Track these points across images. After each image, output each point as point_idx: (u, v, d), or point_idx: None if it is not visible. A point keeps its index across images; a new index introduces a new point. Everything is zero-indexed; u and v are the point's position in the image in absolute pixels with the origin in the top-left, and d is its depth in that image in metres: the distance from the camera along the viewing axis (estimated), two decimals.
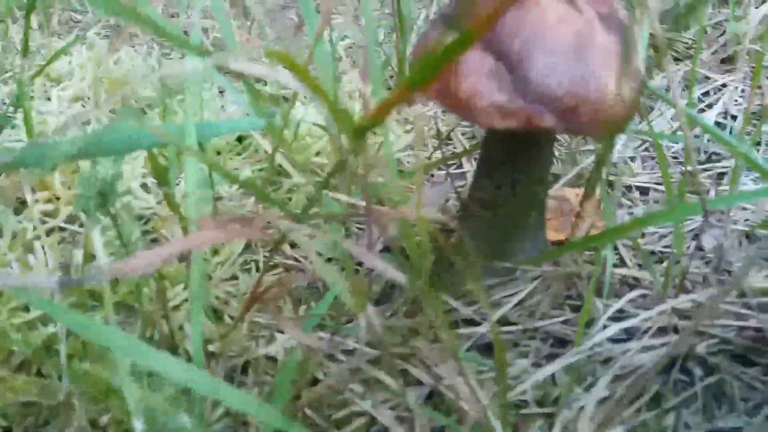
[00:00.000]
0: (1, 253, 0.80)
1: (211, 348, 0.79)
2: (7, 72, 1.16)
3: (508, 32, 0.53)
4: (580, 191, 0.98)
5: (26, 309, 0.77)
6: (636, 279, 0.81)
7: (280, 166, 1.02)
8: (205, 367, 0.76)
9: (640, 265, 0.85)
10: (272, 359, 0.78)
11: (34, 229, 0.86)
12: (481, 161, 0.73)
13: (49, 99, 1.09)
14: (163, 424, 0.58)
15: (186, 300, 0.83)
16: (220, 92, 1.28)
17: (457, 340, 0.72)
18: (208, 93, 1.16)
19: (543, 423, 0.67)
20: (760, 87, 1.17)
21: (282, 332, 0.83)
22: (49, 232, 0.87)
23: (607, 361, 0.71)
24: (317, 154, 1.09)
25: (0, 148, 0.98)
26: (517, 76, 0.52)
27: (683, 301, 0.73)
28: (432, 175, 1.07)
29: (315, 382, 0.72)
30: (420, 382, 0.70)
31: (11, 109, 1.03)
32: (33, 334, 0.74)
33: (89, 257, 0.77)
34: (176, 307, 0.81)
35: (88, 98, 1.14)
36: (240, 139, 1.13)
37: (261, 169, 1.06)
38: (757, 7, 1.33)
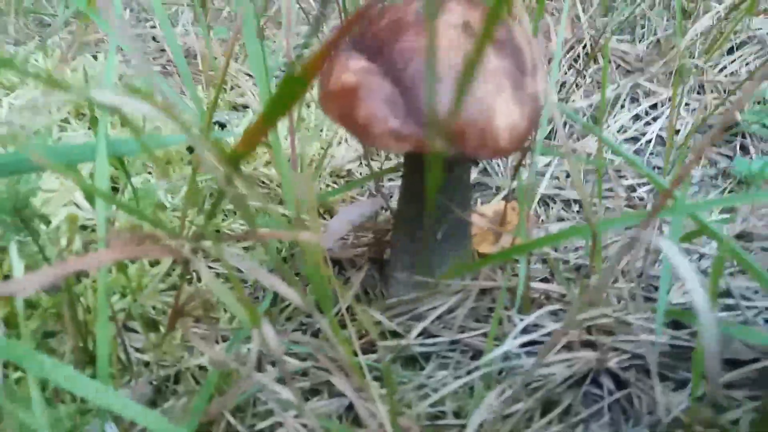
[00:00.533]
0: None
1: (145, 357, 0.81)
2: None
3: (403, 59, 0.55)
4: (515, 205, 1.01)
5: None
6: (558, 293, 0.83)
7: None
8: (134, 377, 0.78)
9: (569, 279, 0.88)
10: (204, 369, 0.80)
11: None
12: (403, 180, 0.75)
13: (0, 107, 1.10)
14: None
15: (122, 309, 0.85)
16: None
17: (354, 354, 0.74)
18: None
19: None
20: (688, 104, 1.20)
21: (217, 342, 0.85)
22: None
23: (520, 373, 0.73)
24: (267, 164, 1.11)
25: None
26: (410, 102, 0.54)
27: (597, 316, 0.75)
28: (381, 185, 1.09)
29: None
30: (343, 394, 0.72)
31: None
32: None
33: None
34: (113, 316, 0.82)
35: (41, 107, 1.15)
36: (191, 149, 1.15)
37: (210, 179, 1.07)
38: (691, 25, 1.35)
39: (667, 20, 1.50)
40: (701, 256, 0.92)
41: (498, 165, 1.12)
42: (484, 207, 1.02)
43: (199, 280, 0.94)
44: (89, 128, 1.12)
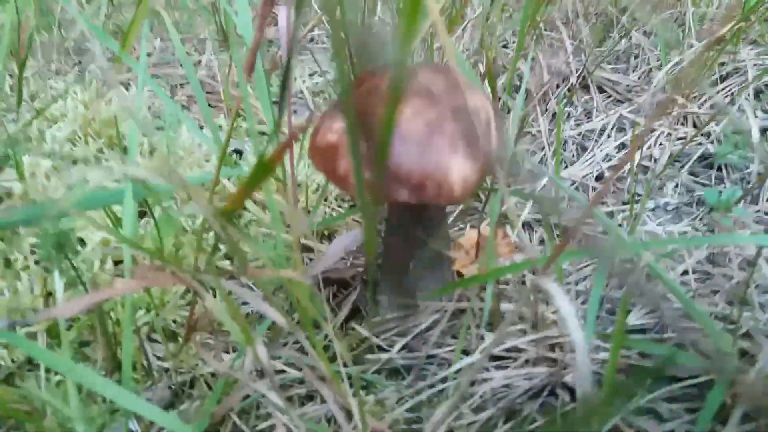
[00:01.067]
0: None
1: (164, 365, 0.93)
2: (10, 113, 1.32)
3: (375, 123, 0.66)
4: (502, 230, 1.11)
5: None
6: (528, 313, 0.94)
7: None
8: (155, 382, 0.91)
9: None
10: (216, 375, 0.92)
11: (25, 259, 1.02)
12: (387, 218, 0.86)
13: (44, 140, 1.25)
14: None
15: (146, 323, 0.97)
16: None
17: (354, 364, 0.85)
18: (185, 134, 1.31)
19: None
20: (670, 134, 1.28)
21: (227, 352, 0.98)
22: (37, 263, 1.02)
23: (486, 384, 0.83)
24: (276, 190, 1.23)
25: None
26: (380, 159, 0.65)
27: (557, 335, 0.85)
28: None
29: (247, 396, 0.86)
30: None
31: (10, 151, 1.20)
32: (17, 351, 0.89)
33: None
34: (137, 330, 0.95)
35: (80, 137, 1.29)
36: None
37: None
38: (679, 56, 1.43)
39: (660, 51, 1.59)
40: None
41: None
42: (472, 231, 1.13)
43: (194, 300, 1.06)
44: (123, 156, 1.26)
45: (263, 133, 1.56)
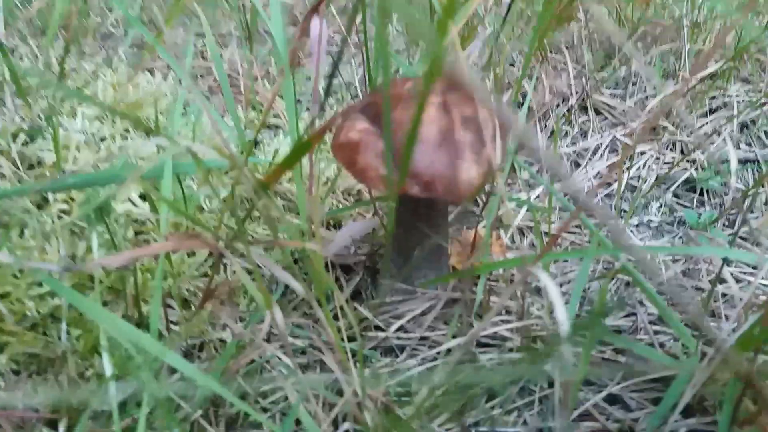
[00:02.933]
0: (26, 241, 1.03)
1: (177, 329, 1.01)
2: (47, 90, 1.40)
3: (395, 126, 0.75)
4: (496, 233, 1.20)
5: (39, 284, 1.00)
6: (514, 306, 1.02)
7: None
8: (167, 344, 0.98)
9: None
10: (224, 342, 1.01)
11: (53, 223, 1.10)
12: (396, 210, 0.95)
13: (75, 116, 1.33)
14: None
15: (163, 289, 1.05)
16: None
17: (358, 339, 0.93)
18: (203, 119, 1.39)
19: (416, 407, 0.88)
20: (658, 158, 1.38)
21: (236, 321, 1.06)
22: (63, 227, 1.10)
23: (472, 365, 0.92)
24: (289, 180, 1.32)
25: (33, 154, 1.22)
26: (397, 158, 0.74)
27: (539, 327, 0.94)
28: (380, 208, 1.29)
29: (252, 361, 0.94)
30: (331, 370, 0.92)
31: (44, 123, 1.28)
32: (43, 304, 0.97)
33: (90, 251, 1.00)
34: (152, 296, 1.03)
35: (107, 117, 1.37)
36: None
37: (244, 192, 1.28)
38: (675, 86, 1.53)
39: (656, 80, 1.68)
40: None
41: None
42: (469, 231, 1.22)
43: (226, 271, 1.15)
44: (147, 136, 1.35)
45: (277, 126, 1.65)
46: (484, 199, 1.23)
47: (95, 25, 1.88)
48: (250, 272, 1.11)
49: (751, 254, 1.00)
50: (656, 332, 0.98)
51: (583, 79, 1.67)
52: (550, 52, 1.75)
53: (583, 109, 1.62)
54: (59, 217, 1.12)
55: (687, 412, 0.84)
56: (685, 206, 1.32)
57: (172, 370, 0.94)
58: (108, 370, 0.74)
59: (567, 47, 1.83)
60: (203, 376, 0.72)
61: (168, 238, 0.74)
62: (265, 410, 0.90)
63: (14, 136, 1.24)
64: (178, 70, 1.10)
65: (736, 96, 1.57)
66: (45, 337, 0.94)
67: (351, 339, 0.95)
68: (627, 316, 1.03)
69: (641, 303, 1.04)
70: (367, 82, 1.27)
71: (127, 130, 1.36)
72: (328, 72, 1.85)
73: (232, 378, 0.90)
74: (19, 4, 1.84)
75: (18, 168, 1.20)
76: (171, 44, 1.93)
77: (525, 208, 1.24)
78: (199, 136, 1.36)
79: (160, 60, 1.86)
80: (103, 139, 1.28)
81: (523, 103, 1.59)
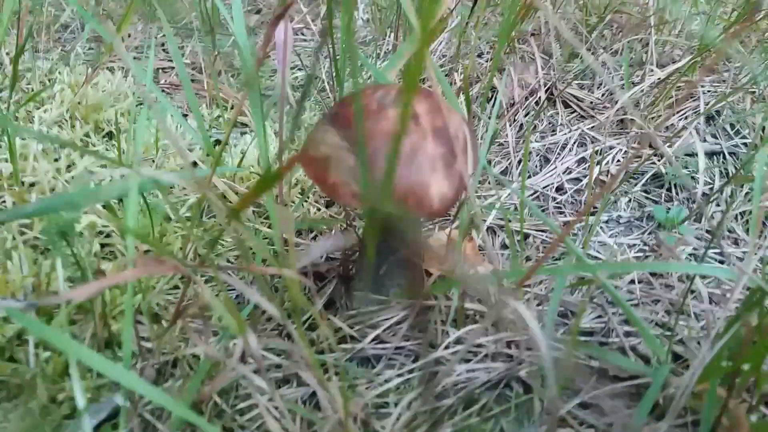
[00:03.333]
0: None
1: (148, 345, 0.99)
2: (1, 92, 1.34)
3: (366, 138, 0.74)
4: (468, 234, 1.20)
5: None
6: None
7: (224, 194, 1.22)
8: (139, 361, 0.96)
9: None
10: (197, 357, 0.99)
11: (13, 239, 1.06)
12: (367, 221, 0.94)
13: (32, 122, 1.28)
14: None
15: (133, 305, 1.03)
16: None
17: (333, 351, 0.93)
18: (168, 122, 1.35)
19: (394, 420, 0.88)
20: (627, 152, 1.39)
21: (208, 337, 1.04)
22: (25, 242, 1.06)
23: (449, 375, 0.92)
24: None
25: None
26: (369, 173, 0.73)
27: (514, 335, 0.94)
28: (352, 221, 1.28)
29: None
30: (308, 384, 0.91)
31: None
32: (7, 327, 0.94)
33: (54, 269, 0.97)
34: (121, 313, 1.01)
35: (66, 121, 1.32)
36: (194, 164, 1.33)
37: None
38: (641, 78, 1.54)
39: (623, 71, 1.69)
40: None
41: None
42: (441, 233, 1.21)
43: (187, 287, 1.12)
44: (107, 141, 1.30)
45: (243, 124, 1.61)
46: (456, 205, 1.23)
47: (51, 19, 1.81)
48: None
49: (723, 269, 1.02)
50: (627, 333, 1.00)
51: (551, 72, 1.67)
52: (518, 41, 1.74)
53: (551, 101, 1.62)
54: (21, 233, 1.08)
55: (659, 414, 0.86)
56: (655, 201, 1.34)
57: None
58: (80, 401, 0.72)
59: (533, 34, 1.83)
60: (176, 404, 0.71)
61: (136, 264, 0.71)
62: (243, 428, 0.89)
63: None
64: (139, 73, 1.06)
65: (701, 87, 1.59)
66: (12, 363, 0.91)
67: (330, 350, 0.95)
68: (598, 317, 1.04)
69: (611, 303, 1.05)
70: (334, 77, 1.25)
71: (87, 135, 1.31)
72: (294, 80, 1.80)
73: (206, 397, 0.89)
74: None
75: None
76: (130, 40, 1.87)
77: (495, 209, 1.24)
78: (161, 138, 1.33)
79: (119, 60, 1.80)
80: (63, 146, 1.24)
81: (491, 98, 1.58)
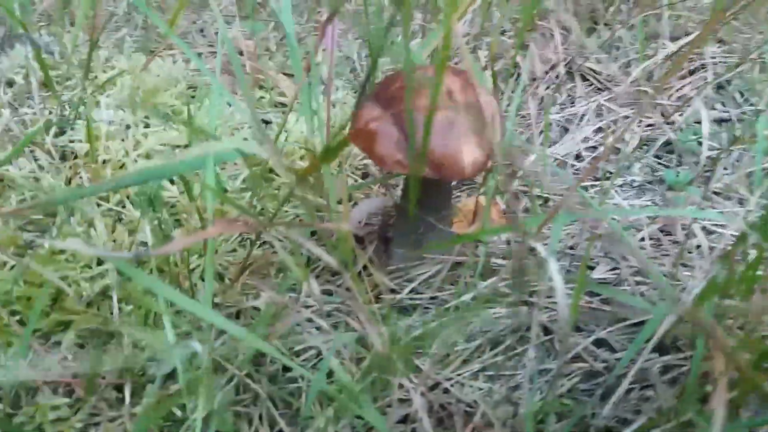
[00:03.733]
0: (73, 229, 1.15)
1: (215, 300, 1.14)
2: (68, 80, 1.49)
3: (407, 115, 0.86)
4: (494, 199, 1.32)
5: (89, 267, 1.12)
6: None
7: (270, 170, 1.36)
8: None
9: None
10: (257, 309, 1.13)
11: (93, 210, 1.21)
12: (404, 183, 1.07)
13: (98, 104, 1.42)
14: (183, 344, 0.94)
15: (199, 266, 1.18)
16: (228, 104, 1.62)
17: (374, 303, 1.07)
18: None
19: (426, 359, 1.02)
20: (641, 121, 1.49)
21: (263, 291, 1.18)
22: (103, 213, 1.21)
23: (476, 320, 1.05)
24: (301, 158, 1.43)
25: (65, 145, 1.32)
26: (410, 143, 0.86)
27: (535, 284, 1.07)
28: (391, 185, 1.41)
29: None
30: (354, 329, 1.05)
31: (70, 114, 1.38)
32: (95, 284, 1.09)
33: (131, 234, 1.12)
34: (192, 270, 1.15)
35: (127, 105, 1.47)
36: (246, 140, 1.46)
37: (259, 167, 1.39)
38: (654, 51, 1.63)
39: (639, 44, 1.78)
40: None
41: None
42: (470, 199, 1.34)
43: (251, 245, 1.27)
44: (165, 122, 1.45)
45: (283, 104, 1.74)
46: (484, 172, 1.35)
47: (108, 14, 1.95)
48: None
49: (713, 212, 1.13)
50: (637, 283, 1.12)
51: (571, 46, 1.76)
52: (538, 19, 1.84)
53: (570, 74, 1.73)
54: (98, 205, 1.23)
55: (662, 351, 0.99)
56: (666, 166, 1.45)
57: (215, 337, 1.07)
58: (170, 334, 0.87)
59: (553, 10, 1.92)
60: (250, 335, 0.85)
61: (215, 223, 0.85)
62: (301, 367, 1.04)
63: (47, 129, 1.34)
64: (200, 64, 1.19)
65: (712, 58, 1.68)
66: (100, 314, 1.07)
67: (369, 302, 1.08)
68: (612, 270, 1.16)
69: (624, 258, 1.17)
70: (369, 58, 1.37)
71: (146, 117, 1.46)
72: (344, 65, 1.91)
73: (272, 338, 1.03)
74: None
75: (53, 159, 1.31)
76: (180, 28, 2.00)
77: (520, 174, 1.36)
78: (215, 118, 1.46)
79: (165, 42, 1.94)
80: (128, 127, 1.38)
81: (514, 74, 1.69)
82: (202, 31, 2.15)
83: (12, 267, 1.07)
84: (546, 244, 1.08)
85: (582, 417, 0.91)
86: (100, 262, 1.12)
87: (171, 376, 1.01)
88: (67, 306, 1.04)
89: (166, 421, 0.97)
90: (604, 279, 1.16)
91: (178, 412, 0.96)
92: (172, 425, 0.96)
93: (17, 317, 1.02)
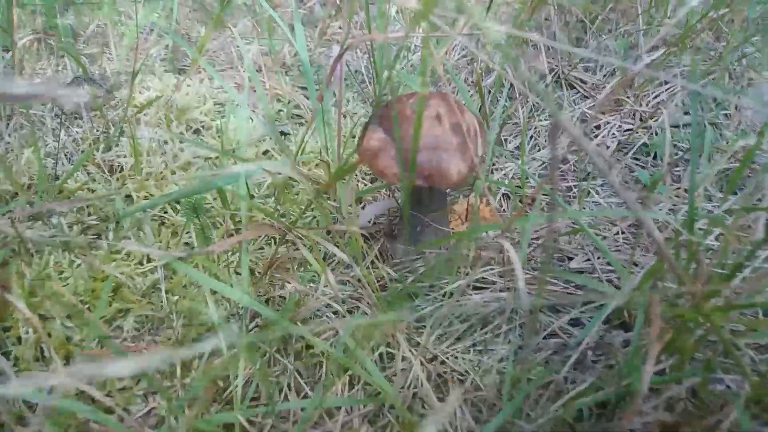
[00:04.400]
0: (125, 232, 1.35)
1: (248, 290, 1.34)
2: (112, 100, 1.69)
3: (404, 135, 1.05)
4: (486, 199, 1.51)
5: (141, 264, 1.33)
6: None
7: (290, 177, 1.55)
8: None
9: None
10: (283, 297, 1.33)
11: (140, 216, 1.41)
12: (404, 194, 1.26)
13: (138, 122, 1.63)
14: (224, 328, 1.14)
15: (233, 261, 1.38)
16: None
17: (381, 291, 1.26)
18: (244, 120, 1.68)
19: (428, 335, 1.21)
20: (621, 126, 1.66)
21: (288, 282, 1.38)
22: (150, 219, 1.42)
23: (469, 303, 1.24)
24: (316, 165, 1.62)
25: (113, 160, 1.52)
26: (405, 160, 1.04)
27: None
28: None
29: None
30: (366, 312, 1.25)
31: (114, 131, 1.58)
32: (147, 278, 1.30)
33: (174, 236, 1.32)
34: (226, 266, 1.35)
35: (162, 121, 1.67)
36: (265, 152, 1.66)
37: (281, 176, 1.59)
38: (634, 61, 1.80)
39: (624, 51, 1.95)
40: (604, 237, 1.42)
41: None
42: (464, 201, 1.53)
43: (275, 243, 1.47)
44: (197, 137, 1.65)
45: (299, 116, 1.94)
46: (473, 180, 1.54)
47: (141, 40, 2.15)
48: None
49: (619, 211, 1.31)
50: (607, 271, 1.30)
51: (558, 57, 1.94)
52: (527, 30, 2.01)
53: (558, 83, 1.90)
54: (144, 211, 1.43)
55: (626, 328, 1.17)
56: (642, 167, 1.62)
57: (249, 321, 1.27)
58: (214, 316, 1.07)
59: (546, 19, 2.09)
60: (279, 318, 1.05)
61: (249, 228, 1.05)
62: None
63: (96, 146, 1.55)
64: (228, 88, 1.39)
65: (685, 67, 1.85)
66: (153, 303, 1.27)
67: (381, 289, 1.28)
68: (587, 260, 1.34)
69: (596, 250, 1.35)
70: (374, 73, 1.56)
71: (181, 133, 1.66)
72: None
73: (294, 322, 1.23)
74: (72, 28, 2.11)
75: (104, 172, 1.52)
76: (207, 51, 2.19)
77: (502, 183, 1.55)
78: (238, 134, 1.66)
79: (188, 60, 2.14)
80: (165, 143, 1.59)
81: (504, 85, 1.87)
82: (222, 48, 2.35)
83: (78, 265, 1.28)
84: (518, 241, 1.27)
85: (549, 381, 1.10)
86: (149, 260, 1.32)
87: (213, 354, 1.21)
88: (126, 296, 1.24)
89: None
90: (581, 269, 1.34)
91: (221, 383, 1.17)
92: (216, 393, 1.16)
93: (87, 306, 1.22)
